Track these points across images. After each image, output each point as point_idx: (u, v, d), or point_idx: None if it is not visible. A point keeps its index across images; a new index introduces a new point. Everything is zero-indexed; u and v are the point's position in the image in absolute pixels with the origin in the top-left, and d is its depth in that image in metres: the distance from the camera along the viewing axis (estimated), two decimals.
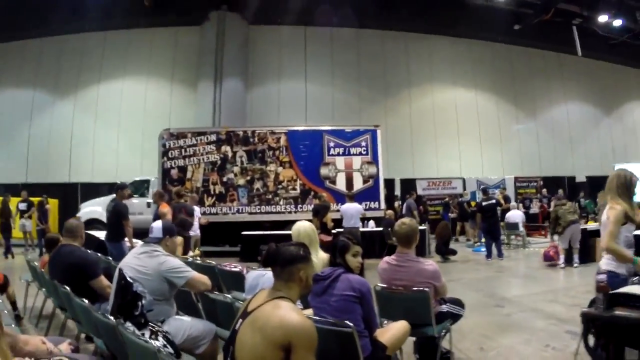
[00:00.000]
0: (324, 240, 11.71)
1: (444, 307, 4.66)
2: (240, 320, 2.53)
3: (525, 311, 7.30)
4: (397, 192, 20.14)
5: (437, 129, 22.83)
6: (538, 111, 25.19)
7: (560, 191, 12.20)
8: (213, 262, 6.94)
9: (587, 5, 20.06)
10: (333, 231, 11.90)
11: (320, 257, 4.66)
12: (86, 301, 4.03)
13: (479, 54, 24.00)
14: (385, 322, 4.48)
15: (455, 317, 4.76)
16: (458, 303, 4.88)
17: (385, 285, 4.50)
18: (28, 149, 20.97)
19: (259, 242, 13.07)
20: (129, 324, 3.55)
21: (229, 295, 4.38)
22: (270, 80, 21.76)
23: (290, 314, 2.36)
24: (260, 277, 4.34)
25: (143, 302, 3.67)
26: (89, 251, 5.44)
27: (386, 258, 4.66)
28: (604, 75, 26.45)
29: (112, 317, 3.47)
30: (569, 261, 11.44)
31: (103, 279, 4.83)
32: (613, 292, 3.53)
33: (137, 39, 21.43)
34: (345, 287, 3.45)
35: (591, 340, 4.03)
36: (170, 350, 3.53)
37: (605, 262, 4.19)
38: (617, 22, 20.95)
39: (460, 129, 23.25)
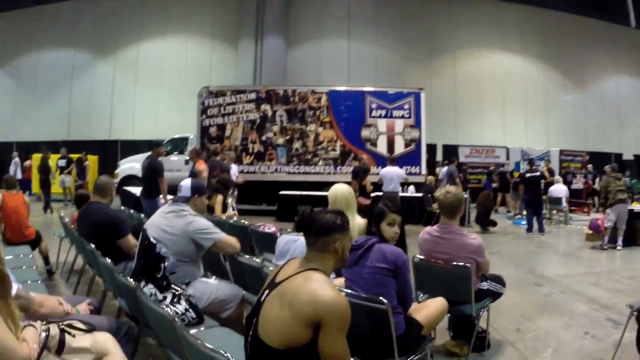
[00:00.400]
0: (362, 203, 11.58)
1: (485, 285, 4.36)
2: (267, 291, 2.31)
3: (566, 292, 6.95)
4: (439, 157, 19.66)
5: (482, 95, 22.21)
6: (587, 83, 24.26)
7: (615, 164, 11.67)
8: (246, 222, 6.81)
9: None
10: (372, 195, 11.79)
11: (357, 222, 4.42)
12: (109, 260, 3.93)
13: (528, 20, 23.12)
14: (422, 296, 4.27)
15: (495, 296, 4.44)
16: (499, 280, 4.56)
17: (424, 257, 4.20)
18: (70, 107, 21.36)
19: (296, 202, 12.92)
20: (150, 286, 3.44)
21: (258, 259, 4.17)
22: (312, 39, 21.38)
23: (323, 288, 2.14)
24: (291, 242, 4.22)
25: (166, 264, 3.57)
26: (122, 208, 5.35)
27: (427, 228, 4.34)
28: None
29: (132, 280, 3.35)
30: (612, 242, 10.84)
31: (130, 239, 4.73)
32: None
33: None
34: (379, 259, 3.19)
35: None
36: (193, 314, 3.44)
37: None
38: None
39: (506, 97, 22.62)
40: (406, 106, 15.02)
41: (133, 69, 21.27)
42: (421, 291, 4.30)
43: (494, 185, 17.95)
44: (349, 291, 3.11)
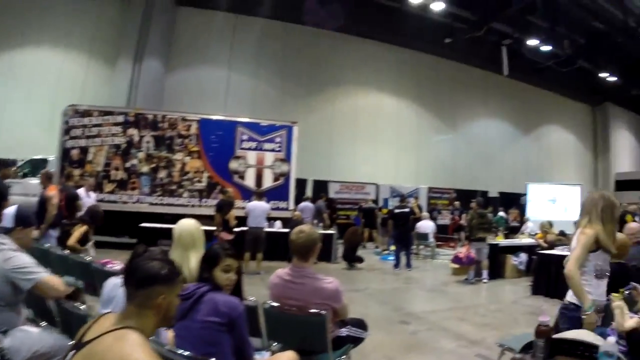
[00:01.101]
0: (224, 238, 11.34)
1: (344, 331, 4.05)
2: (73, 352, 1.91)
3: (433, 329, 6.97)
4: (309, 193, 19.57)
5: (357, 132, 22.60)
6: (458, 124, 25.62)
7: (480, 199, 12.29)
8: (90, 258, 6.27)
9: (519, 27, 20.36)
10: (236, 229, 11.53)
11: None
12: None
13: (406, 63, 24.05)
14: (275, 345, 3.88)
15: (357, 341, 4.21)
16: (360, 325, 4.31)
17: (275, 304, 3.82)
18: None
19: (158, 235, 12.42)
20: None
21: (84, 306, 3.62)
22: (192, 65, 20.88)
23: (134, 354, 1.77)
24: (118, 287, 3.66)
25: None
26: None
27: (278, 271, 3.94)
28: (526, 97, 27.41)
29: None
30: (478, 276, 11.44)
31: None
32: (556, 337, 2.93)
33: (57, 7, 20.06)
34: (210, 311, 2.81)
35: None
36: None
37: (571, 293, 3.70)
38: (546, 48, 21.39)
39: (379, 135, 23.14)
40: (278, 139, 14.92)
41: (3, 77, 19.67)
42: (274, 340, 3.92)
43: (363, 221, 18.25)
44: (176, 351, 2.67)
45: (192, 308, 2.85)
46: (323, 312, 3.57)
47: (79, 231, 7.23)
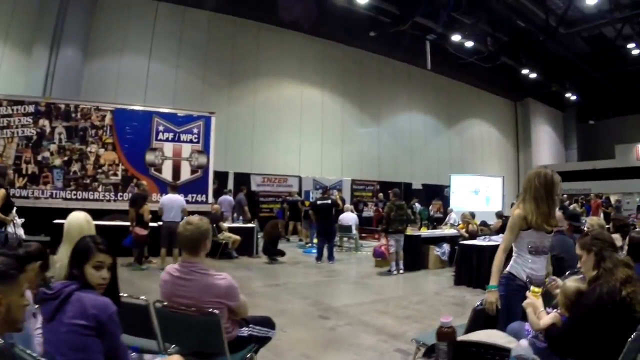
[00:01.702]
0: (138, 233, 11.13)
1: (245, 331, 3.79)
2: None
3: (353, 324, 6.84)
4: (230, 186, 19.31)
5: (280, 123, 22.40)
6: (383, 117, 25.83)
7: (397, 190, 12.44)
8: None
9: (443, 23, 20.65)
10: (152, 224, 11.32)
11: None
12: None
13: (330, 55, 24.01)
14: (172, 347, 3.62)
15: (262, 341, 3.95)
16: (266, 323, 4.05)
17: (165, 302, 3.50)
18: None
19: None
20: None
21: None
22: (111, 53, 20.07)
23: None
24: None
25: None
26: None
27: (168, 267, 3.62)
28: (450, 91, 28.03)
29: None
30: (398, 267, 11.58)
31: None
32: (462, 339, 2.68)
33: None
34: (76, 313, 2.47)
35: None
36: None
37: (512, 264, 3.91)
38: (469, 44, 21.81)
39: (303, 127, 23.06)
40: (195, 130, 14.66)
41: None
42: (169, 342, 3.63)
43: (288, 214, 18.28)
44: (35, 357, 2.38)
45: (58, 309, 2.51)
46: (216, 311, 3.32)
47: None
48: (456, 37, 21.39)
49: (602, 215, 19.72)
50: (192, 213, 13.37)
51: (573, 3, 19.17)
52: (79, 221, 4.05)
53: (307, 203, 17.79)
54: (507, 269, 3.89)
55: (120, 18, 20.19)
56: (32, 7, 19.05)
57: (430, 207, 20.05)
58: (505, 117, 32.30)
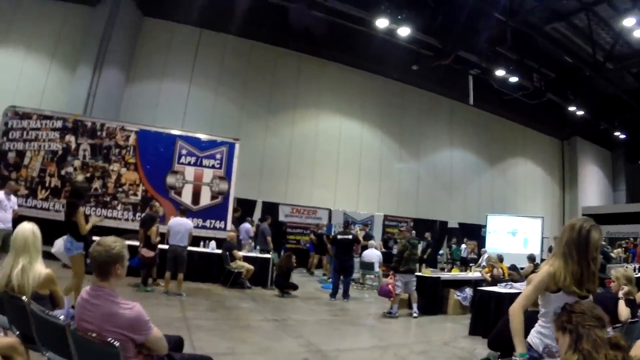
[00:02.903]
0: (145, 255, 11.00)
1: None
2: None
3: None
4: (258, 215, 19.00)
5: (317, 155, 22.24)
6: (422, 153, 25.35)
7: (411, 224, 11.94)
8: None
9: (487, 57, 20.22)
10: (162, 246, 11.19)
11: (37, 271, 3.89)
12: None
13: (371, 87, 23.81)
14: None
15: None
16: None
17: (76, 326, 3.25)
18: None
19: (85, 248, 12.05)
20: None
21: None
22: (153, 77, 20.47)
23: None
24: None
25: None
26: None
27: (85, 288, 3.36)
28: (493, 128, 27.31)
29: None
30: (410, 308, 10.93)
31: None
32: None
33: (24, 7, 19.76)
34: None
35: None
36: None
37: (533, 333, 3.27)
38: (513, 79, 21.23)
39: (341, 159, 22.83)
40: (218, 156, 14.64)
41: None
42: None
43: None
44: None
45: None
46: (116, 343, 2.99)
47: None
48: (500, 72, 20.82)
49: None
50: (210, 240, 13.42)
51: (621, 37, 18.47)
52: (24, 232, 4.05)
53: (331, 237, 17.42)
54: (528, 338, 3.26)
55: (163, 43, 20.58)
56: (79, 27, 19.63)
57: (464, 247, 19.37)
58: (551, 156, 31.08)
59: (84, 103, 18.57)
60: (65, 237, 7.67)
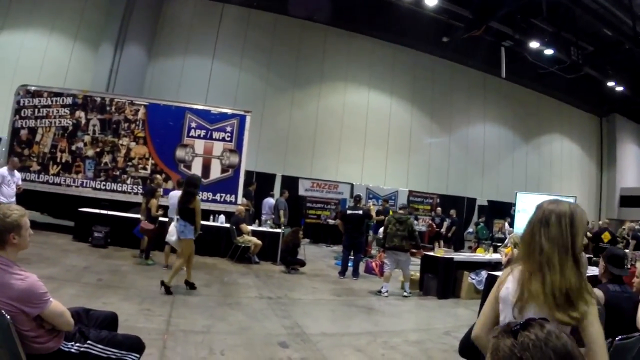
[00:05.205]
0: (144, 227, 10.81)
1: (73, 346, 3.15)
2: None
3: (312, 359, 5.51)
4: (277, 188, 18.70)
5: (344, 130, 21.86)
6: (454, 127, 24.70)
7: (405, 203, 11.31)
8: None
9: (520, 28, 19.40)
10: (163, 219, 10.98)
11: None
12: None
13: (400, 60, 23.25)
14: None
15: None
16: (125, 344, 3.32)
17: None
18: None
19: (94, 220, 12.04)
20: None
21: None
22: (175, 53, 20.39)
23: None
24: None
25: None
26: None
27: None
28: (527, 102, 26.34)
29: None
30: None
31: None
32: None
33: None
34: None
35: None
36: None
37: None
38: (549, 52, 20.33)
39: (369, 134, 22.40)
40: (228, 128, 14.23)
41: None
42: None
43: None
44: None
45: None
46: (7, 315, 2.78)
47: None
48: (534, 44, 19.93)
49: None
50: (219, 213, 13.15)
51: None
52: None
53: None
54: None
55: (185, 19, 20.46)
56: (100, 6, 19.62)
57: (494, 226, 18.66)
58: (589, 133, 29.75)
59: (106, 81, 18.62)
60: (177, 222, 8.58)
